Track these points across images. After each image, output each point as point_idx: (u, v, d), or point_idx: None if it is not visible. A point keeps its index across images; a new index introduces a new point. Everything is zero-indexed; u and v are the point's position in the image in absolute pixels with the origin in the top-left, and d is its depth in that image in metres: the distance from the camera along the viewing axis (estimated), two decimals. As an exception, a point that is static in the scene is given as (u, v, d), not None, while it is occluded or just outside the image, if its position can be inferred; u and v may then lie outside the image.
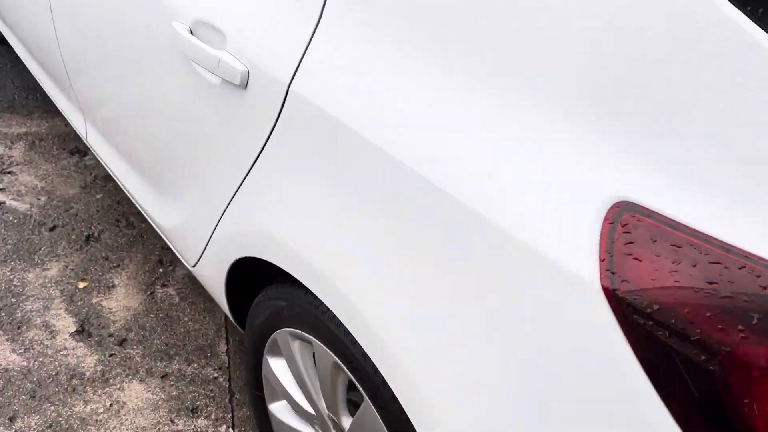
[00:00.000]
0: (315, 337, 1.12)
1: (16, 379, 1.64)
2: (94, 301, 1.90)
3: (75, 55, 1.71)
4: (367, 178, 0.89)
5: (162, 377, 1.71)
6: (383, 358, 0.91)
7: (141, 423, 1.59)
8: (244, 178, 1.15)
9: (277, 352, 1.32)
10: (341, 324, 1.01)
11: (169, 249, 2.07)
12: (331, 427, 1.24)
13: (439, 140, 0.81)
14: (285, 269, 1.07)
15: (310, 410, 1.28)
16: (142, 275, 2.00)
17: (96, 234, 2.13)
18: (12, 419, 1.55)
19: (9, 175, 2.32)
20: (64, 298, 1.89)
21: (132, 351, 1.77)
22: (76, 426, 1.56)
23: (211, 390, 1.70)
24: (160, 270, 2.04)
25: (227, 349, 1.82)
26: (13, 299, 1.86)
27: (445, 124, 0.81)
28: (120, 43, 1.43)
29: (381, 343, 0.91)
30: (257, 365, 1.40)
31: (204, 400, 1.67)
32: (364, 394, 1.04)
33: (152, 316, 1.88)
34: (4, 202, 2.19)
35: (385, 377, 0.93)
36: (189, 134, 1.31)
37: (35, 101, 2.74)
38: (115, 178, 1.84)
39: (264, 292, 1.27)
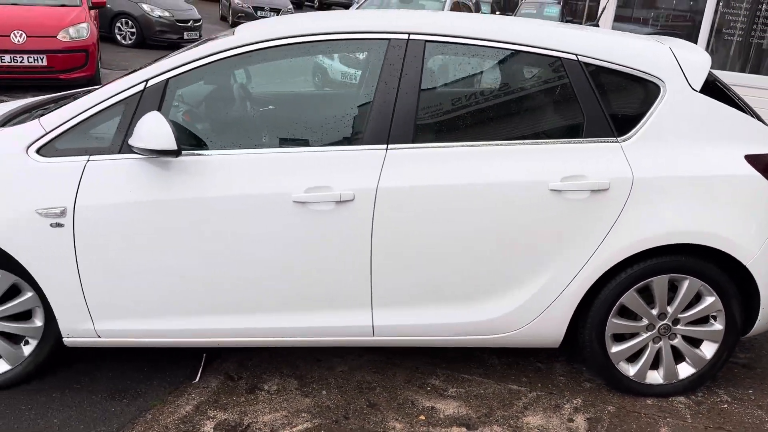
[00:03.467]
0: (688, 275, 2.72)
1: None
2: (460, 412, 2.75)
3: (395, 259, 2.63)
4: None
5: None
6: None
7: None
8: (608, 232, 2.65)
9: (615, 314, 2.79)
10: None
11: (418, 365, 3.01)
12: (659, 320, 2.82)
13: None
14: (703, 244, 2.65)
15: (641, 323, 2.81)
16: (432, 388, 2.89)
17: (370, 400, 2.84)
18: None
19: (248, 430, 2.68)
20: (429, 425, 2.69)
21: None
22: None
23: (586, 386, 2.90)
24: (431, 383, 2.94)
25: (530, 377, 2.98)
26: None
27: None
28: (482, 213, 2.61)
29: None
30: (600, 335, 2.80)
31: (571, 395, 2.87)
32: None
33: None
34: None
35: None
36: (545, 244, 2.66)
37: (122, 398, 2.87)
38: (407, 337, 2.76)
39: (619, 276, 2.72)
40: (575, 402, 2.89)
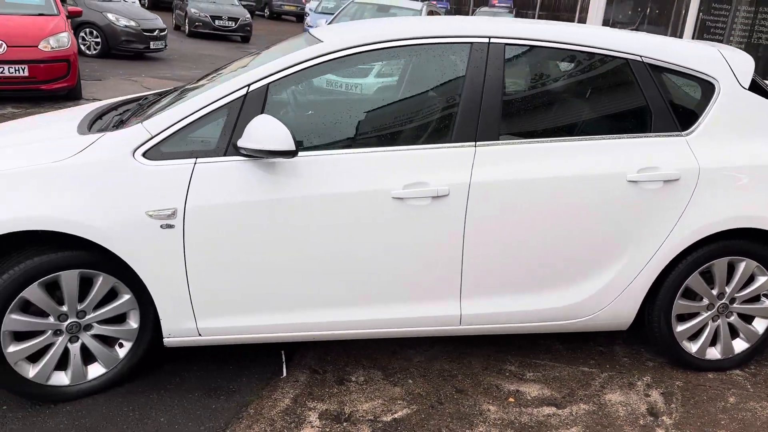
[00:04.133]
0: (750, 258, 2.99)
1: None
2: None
3: (485, 250, 2.79)
4: None
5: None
6: None
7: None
8: (678, 218, 2.88)
9: (680, 295, 3.02)
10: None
11: (490, 354, 3.17)
12: (718, 299, 3.06)
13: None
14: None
15: (703, 303, 3.05)
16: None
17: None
18: None
19: (352, 418, 2.79)
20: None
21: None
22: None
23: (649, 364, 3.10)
24: (508, 368, 3.11)
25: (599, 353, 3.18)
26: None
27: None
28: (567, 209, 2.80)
29: None
30: (668, 315, 3.02)
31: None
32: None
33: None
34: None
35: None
36: (622, 232, 2.87)
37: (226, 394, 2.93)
38: (492, 325, 2.93)
39: (685, 260, 2.95)
40: (645, 379, 3.10)
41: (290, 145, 2.52)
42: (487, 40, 2.86)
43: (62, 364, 2.76)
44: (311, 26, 20.83)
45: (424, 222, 2.75)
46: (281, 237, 2.68)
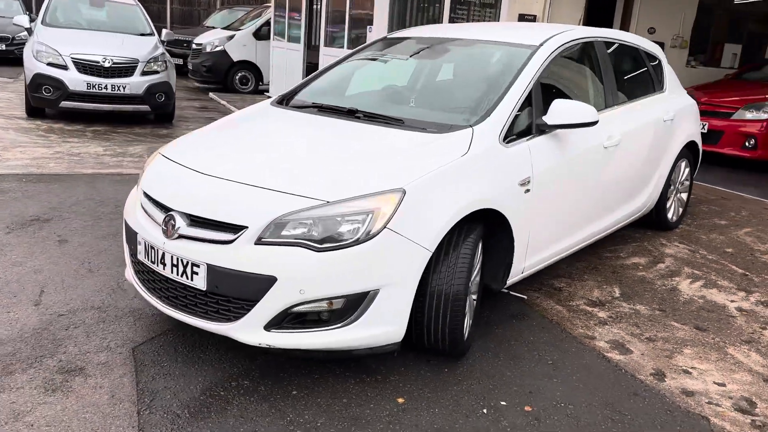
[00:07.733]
0: None
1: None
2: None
3: (624, 171, 4.39)
4: None
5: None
6: None
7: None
8: (675, 140, 4.96)
9: (672, 186, 5.16)
10: None
11: (588, 251, 4.84)
12: (672, 185, 5.31)
13: None
14: None
15: (672, 188, 5.26)
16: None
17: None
18: None
19: (600, 301, 4.11)
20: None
21: (654, 254, 4.86)
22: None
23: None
24: (621, 255, 4.77)
25: (632, 244, 5.06)
26: (661, 276, 4.48)
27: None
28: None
29: None
30: (665, 199, 5.12)
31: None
32: None
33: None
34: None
35: None
36: (650, 161, 4.82)
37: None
38: (620, 224, 4.58)
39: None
40: (663, 239, 5.18)
41: (595, 117, 3.67)
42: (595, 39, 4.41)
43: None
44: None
45: (611, 158, 4.22)
46: (570, 183, 3.84)
